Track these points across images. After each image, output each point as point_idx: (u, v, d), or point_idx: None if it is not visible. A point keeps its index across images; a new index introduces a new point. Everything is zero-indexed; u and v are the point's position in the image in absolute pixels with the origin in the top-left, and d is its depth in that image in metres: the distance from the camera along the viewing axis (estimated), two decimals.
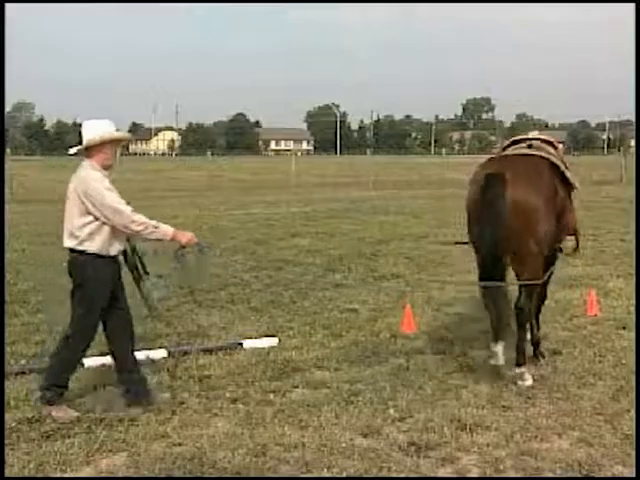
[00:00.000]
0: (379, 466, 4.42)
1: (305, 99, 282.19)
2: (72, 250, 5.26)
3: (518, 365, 5.90)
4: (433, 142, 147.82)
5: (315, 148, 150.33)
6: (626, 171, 35.17)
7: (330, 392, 5.63)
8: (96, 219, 5.20)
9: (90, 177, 5.24)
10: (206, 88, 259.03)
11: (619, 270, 10.76)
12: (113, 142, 5.41)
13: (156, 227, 5.27)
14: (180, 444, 4.70)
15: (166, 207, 22.01)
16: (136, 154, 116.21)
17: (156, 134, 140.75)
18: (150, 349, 6.52)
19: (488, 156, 6.88)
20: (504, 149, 6.67)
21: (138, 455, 4.55)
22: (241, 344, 6.80)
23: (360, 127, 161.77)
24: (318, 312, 8.26)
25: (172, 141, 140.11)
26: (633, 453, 4.53)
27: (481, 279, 6.11)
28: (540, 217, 5.83)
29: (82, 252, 5.23)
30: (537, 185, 5.91)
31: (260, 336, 7.11)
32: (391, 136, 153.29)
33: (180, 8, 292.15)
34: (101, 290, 5.30)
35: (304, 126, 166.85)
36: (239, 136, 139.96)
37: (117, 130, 5.49)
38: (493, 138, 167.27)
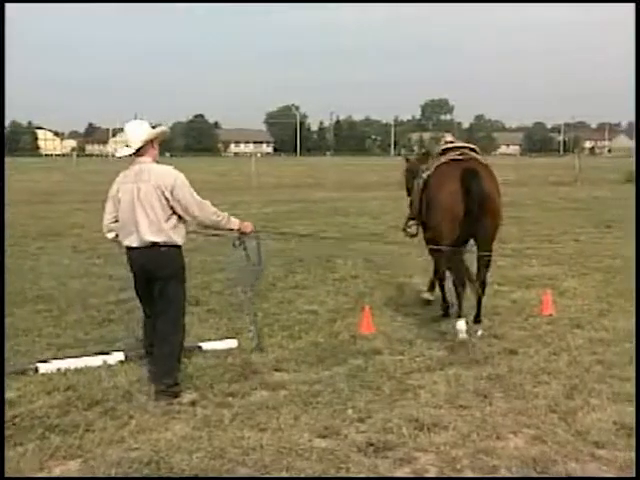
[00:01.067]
0: (337, 467, 4.43)
1: (266, 100, 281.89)
2: (160, 245, 5.52)
3: (478, 322, 7.25)
4: (393, 143, 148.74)
5: (275, 149, 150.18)
6: (580, 172, 35.84)
7: (289, 394, 5.63)
8: (173, 212, 5.52)
9: (173, 172, 5.62)
10: (165, 88, 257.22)
11: (574, 270, 10.95)
12: (157, 139, 5.80)
13: (229, 218, 5.86)
14: (137, 449, 4.64)
15: None
16: (92, 155, 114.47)
17: (114, 135, 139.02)
18: (107, 353, 6.44)
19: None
20: (442, 154, 7.74)
21: (93, 460, 4.48)
22: (200, 347, 6.76)
23: (320, 128, 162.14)
24: (277, 314, 8.24)
25: None
26: (585, 449, 4.62)
27: (449, 262, 7.48)
28: (500, 205, 7.28)
29: (172, 245, 5.58)
30: (495, 181, 7.34)
31: (219, 338, 7.07)
32: (351, 137, 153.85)
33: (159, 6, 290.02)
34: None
35: (264, 127, 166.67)
36: (198, 137, 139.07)
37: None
38: None
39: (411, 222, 8.30)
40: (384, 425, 4.99)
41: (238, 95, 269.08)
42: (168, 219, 5.51)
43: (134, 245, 5.56)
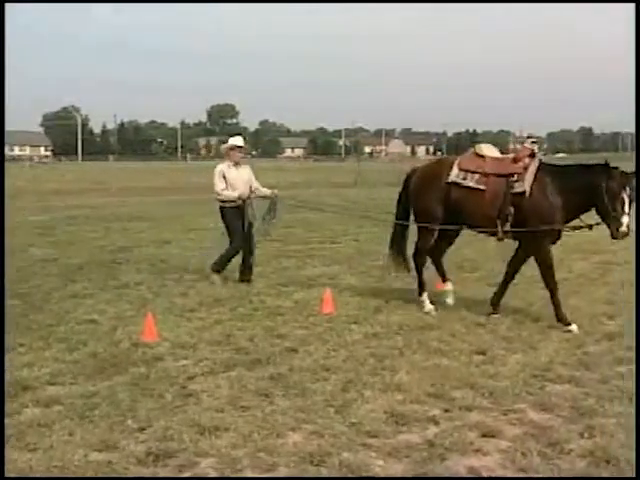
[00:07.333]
0: None
1: (42, 100, 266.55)
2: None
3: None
4: (180, 148, 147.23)
5: (55, 153, 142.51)
6: (360, 175, 37.76)
7: (64, 409, 5.35)
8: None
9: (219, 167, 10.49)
10: None
11: (353, 269, 11.48)
12: (237, 148, 10.48)
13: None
14: None
15: None
16: None
17: None
18: None
19: None
20: None
21: None
22: None
23: (103, 132, 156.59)
24: (54, 325, 7.81)
25: None
26: (358, 439, 4.85)
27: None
28: (417, 195, 9.66)
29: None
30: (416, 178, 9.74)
31: None
32: (136, 141, 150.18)
33: None
34: None
35: (41, 130, 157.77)
36: None
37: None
38: None
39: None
40: (165, 433, 4.91)
41: (10, 93, 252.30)
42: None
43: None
